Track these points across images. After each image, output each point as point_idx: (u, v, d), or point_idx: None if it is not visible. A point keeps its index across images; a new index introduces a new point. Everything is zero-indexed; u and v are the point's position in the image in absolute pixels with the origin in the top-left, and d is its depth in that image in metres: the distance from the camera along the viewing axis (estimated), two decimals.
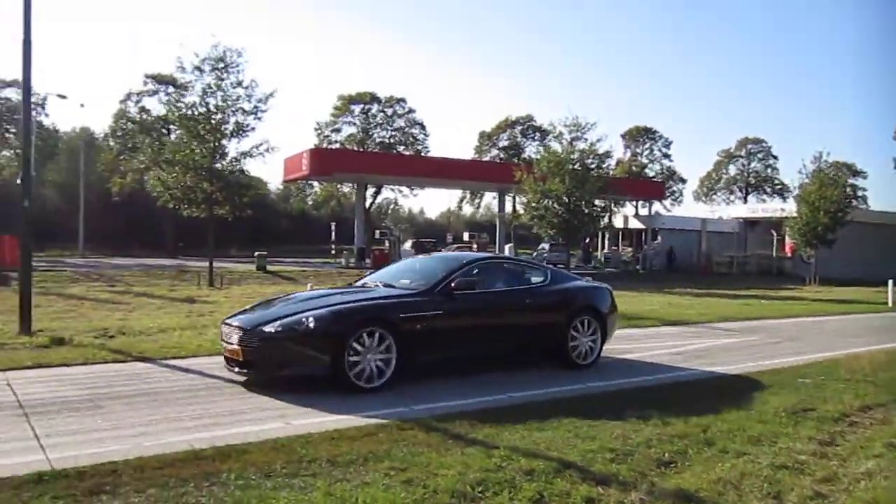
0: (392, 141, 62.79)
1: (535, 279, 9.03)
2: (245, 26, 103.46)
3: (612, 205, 36.29)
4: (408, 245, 43.53)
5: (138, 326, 11.76)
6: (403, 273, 8.79)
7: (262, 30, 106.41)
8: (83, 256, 40.49)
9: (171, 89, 49.49)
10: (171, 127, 50.31)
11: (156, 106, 50.48)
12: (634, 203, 50.42)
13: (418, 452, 4.96)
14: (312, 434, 5.38)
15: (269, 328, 6.88)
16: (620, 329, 13.43)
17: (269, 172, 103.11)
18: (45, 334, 10.19)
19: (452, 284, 7.78)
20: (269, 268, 30.75)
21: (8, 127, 47.16)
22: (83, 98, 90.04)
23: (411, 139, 63.82)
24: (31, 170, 11.32)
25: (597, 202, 31.54)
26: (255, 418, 5.88)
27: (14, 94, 46.80)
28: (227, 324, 7.37)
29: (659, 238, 46.94)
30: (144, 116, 50.14)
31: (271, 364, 6.86)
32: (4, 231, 30.02)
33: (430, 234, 66.20)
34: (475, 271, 8.33)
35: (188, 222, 46.89)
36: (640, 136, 75.84)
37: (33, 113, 49.67)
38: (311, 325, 6.78)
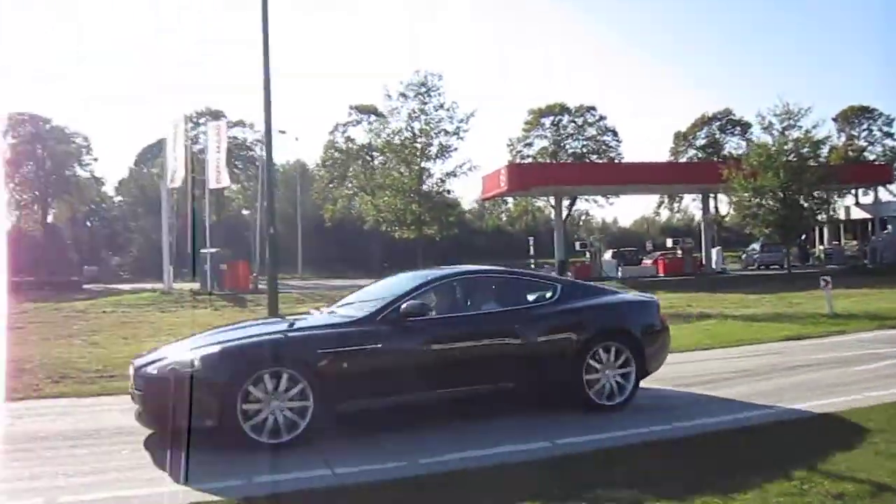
0: (584, 151, 62.13)
1: (536, 296, 7.07)
2: (434, 49, 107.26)
3: (834, 195, 33.30)
4: (608, 255, 42.53)
5: None
6: (368, 296, 7.07)
7: (451, 51, 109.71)
8: (302, 278, 43.74)
9: (373, 118, 52.62)
10: (375, 154, 53.63)
11: (360, 135, 53.75)
12: (854, 191, 45.86)
13: None
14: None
15: (152, 369, 5.74)
16: (877, 330, 12.23)
17: (463, 190, 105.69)
18: None
19: (402, 309, 6.14)
20: None
21: (236, 163, 52.31)
22: (297, 132, 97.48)
23: (603, 147, 62.79)
24: (274, 201, 12.28)
25: (816, 194, 29.18)
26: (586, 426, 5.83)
27: (240, 133, 51.89)
28: (131, 362, 6.30)
29: (889, 227, 42.19)
30: (350, 145, 53.55)
31: (153, 413, 5.64)
32: (238, 257, 33.36)
33: (625, 243, 64.50)
34: (439, 291, 6.80)
35: (393, 243, 49.47)
36: (855, 116, 68.69)
37: (256, 149, 54.76)
38: (197, 364, 5.56)
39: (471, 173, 25.75)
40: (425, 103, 24.71)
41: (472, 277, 7.36)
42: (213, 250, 30.05)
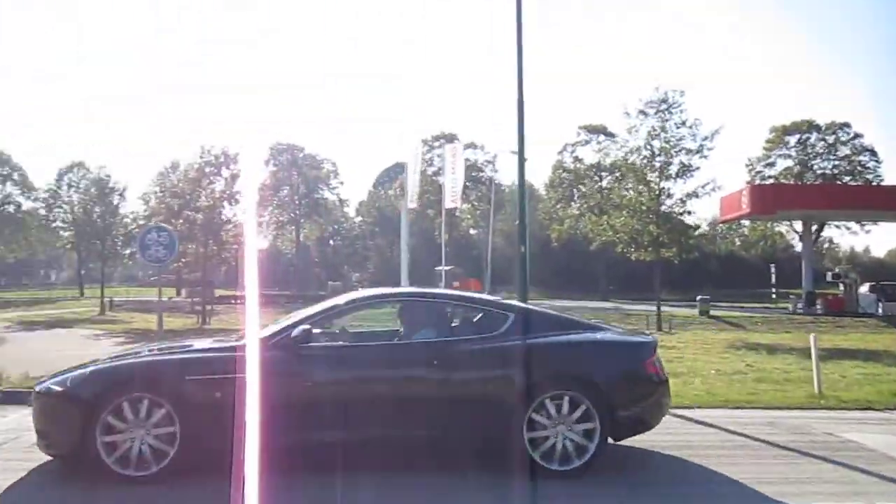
0: (835, 172, 56.39)
1: (480, 327, 5.99)
2: (670, 65, 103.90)
3: None
4: (865, 288, 38.00)
5: None
6: (289, 318, 6.25)
7: (684, 67, 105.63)
8: (528, 298, 43.89)
9: (602, 137, 51.90)
10: (603, 174, 52.78)
11: (589, 155, 53.25)
12: None
13: None
14: None
15: (39, 386, 5.47)
16: None
17: (697, 212, 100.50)
18: None
19: (293, 334, 5.38)
20: (711, 312, 29.45)
21: (467, 183, 53.90)
22: (526, 152, 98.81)
23: (859, 168, 56.56)
24: (526, 219, 12.23)
25: None
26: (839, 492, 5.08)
27: (471, 154, 53.59)
28: None
29: None
30: (578, 165, 53.23)
31: (38, 434, 5.31)
32: (467, 275, 34.29)
33: (881, 275, 57.47)
34: (350, 314, 6.03)
35: (619, 265, 48.36)
36: None
37: (486, 169, 56.19)
38: (68, 385, 5.23)
39: (714, 194, 24.22)
40: (666, 120, 23.67)
41: (404, 301, 6.42)
42: (448, 267, 31.14)
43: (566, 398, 5.41)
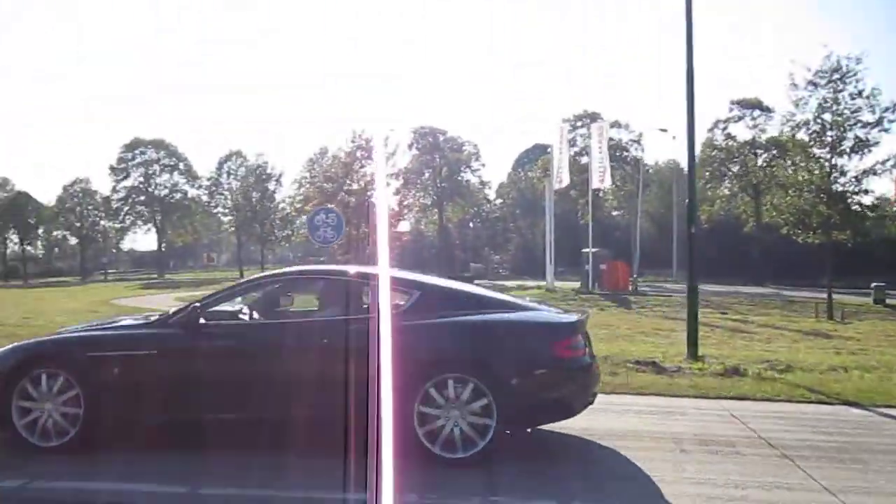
0: None
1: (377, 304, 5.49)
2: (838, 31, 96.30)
3: None
4: None
5: (800, 361, 10.90)
6: None
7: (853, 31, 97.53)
8: (676, 282, 42.19)
9: (756, 113, 48.83)
10: (758, 151, 49.62)
11: (741, 131, 50.25)
12: None
13: None
14: None
15: None
16: None
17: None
18: (715, 362, 10.13)
19: (189, 311, 5.48)
20: (888, 301, 26.96)
21: (612, 164, 52.22)
22: (676, 130, 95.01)
23: None
24: (695, 197, 11.63)
25: None
26: None
27: (614, 133, 51.97)
28: None
29: None
30: (730, 143, 50.33)
31: None
32: (616, 258, 33.34)
33: None
34: (260, 293, 6.08)
35: (774, 248, 45.29)
36: None
37: (631, 149, 54.47)
38: None
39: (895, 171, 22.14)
40: (839, 91, 21.80)
41: (304, 279, 6.55)
42: (595, 250, 30.43)
43: (450, 381, 5.08)
